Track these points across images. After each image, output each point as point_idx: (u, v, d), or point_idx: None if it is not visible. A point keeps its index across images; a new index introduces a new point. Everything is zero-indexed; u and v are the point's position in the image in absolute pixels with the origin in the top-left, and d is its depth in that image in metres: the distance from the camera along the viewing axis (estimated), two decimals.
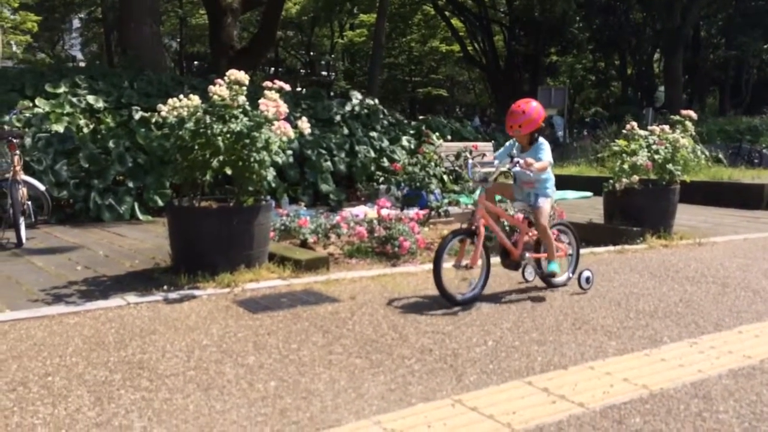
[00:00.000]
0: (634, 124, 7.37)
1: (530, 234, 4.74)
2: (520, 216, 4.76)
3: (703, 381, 3.09)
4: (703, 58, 31.38)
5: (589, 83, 37.16)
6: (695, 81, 31.59)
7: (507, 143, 4.89)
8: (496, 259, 4.76)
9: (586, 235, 6.85)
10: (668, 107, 21.63)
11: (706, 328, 3.94)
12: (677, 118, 7.41)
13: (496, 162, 4.65)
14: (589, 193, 11.33)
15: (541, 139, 4.67)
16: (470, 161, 4.71)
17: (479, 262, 4.40)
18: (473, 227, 4.38)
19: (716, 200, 10.21)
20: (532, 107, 4.55)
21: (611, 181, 7.15)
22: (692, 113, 7.37)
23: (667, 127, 7.25)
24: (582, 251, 6.17)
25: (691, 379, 3.10)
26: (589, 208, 9.33)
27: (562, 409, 2.77)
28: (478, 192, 4.63)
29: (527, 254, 4.64)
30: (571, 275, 4.92)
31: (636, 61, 32.81)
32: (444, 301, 4.31)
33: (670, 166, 7.01)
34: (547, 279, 4.82)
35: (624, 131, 7.39)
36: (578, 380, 3.08)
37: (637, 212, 6.92)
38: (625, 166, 7.00)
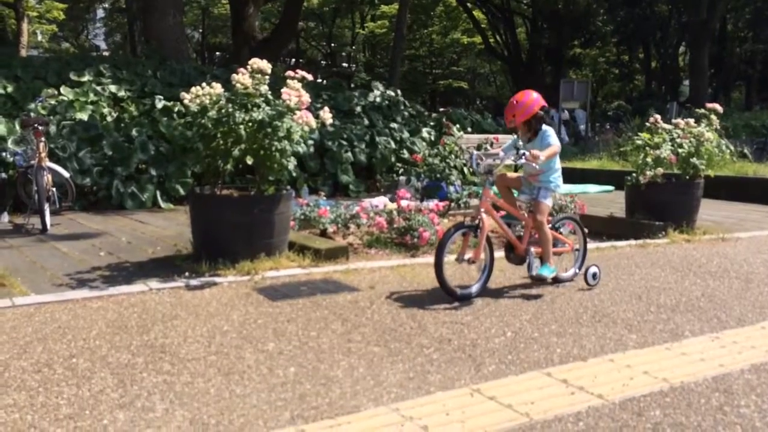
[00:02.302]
0: (658, 117, 7.27)
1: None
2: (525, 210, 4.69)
3: (724, 375, 3.06)
4: (730, 51, 30.88)
5: (612, 76, 36.77)
6: (721, 75, 31.12)
7: (515, 136, 4.80)
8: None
9: (607, 229, 6.81)
10: (693, 101, 21.32)
11: (729, 323, 3.89)
12: (702, 111, 7.30)
13: (501, 154, 4.57)
14: (610, 187, 11.23)
15: (545, 127, 4.59)
16: (474, 153, 4.61)
17: (482, 255, 4.33)
18: (476, 221, 4.31)
19: (741, 196, 10.06)
20: (527, 97, 4.50)
21: (634, 174, 7.08)
22: (718, 107, 7.25)
23: (692, 121, 7.15)
24: (603, 245, 6.16)
25: (712, 374, 3.07)
26: (611, 202, 9.25)
27: (581, 400, 2.77)
28: (491, 183, 4.55)
29: (532, 249, 4.54)
30: (577, 270, 4.84)
31: (660, 55, 32.38)
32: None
33: (694, 160, 6.92)
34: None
35: (647, 124, 7.30)
36: (598, 372, 3.07)
37: (659, 206, 6.84)
38: (649, 160, 6.92)
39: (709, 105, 7.32)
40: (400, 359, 3.20)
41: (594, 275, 4.66)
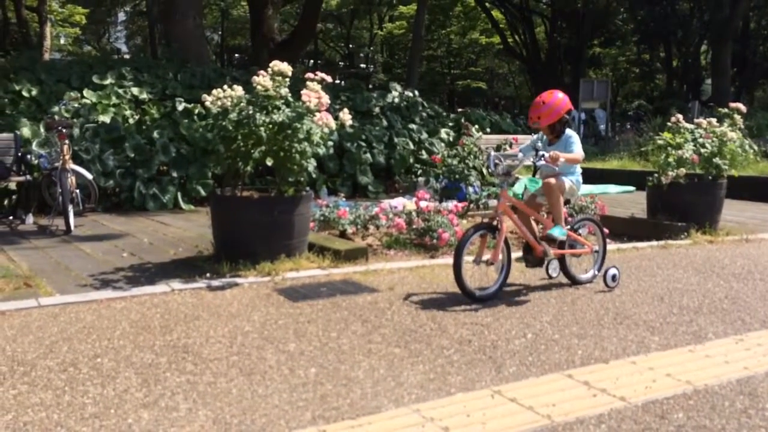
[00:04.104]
0: (680, 116, 7.20)
1: None
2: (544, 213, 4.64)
3: (749, 378, 3.02)
4: (753, 50, 30.42)
5: (632, 76, 36.41)
6: (744, 73, 30.64)
7: (534, 136, 4.76)
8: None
9: (629, 229, 6.75)
10: (715, 100, 21.04)
11: (753, 325, 3.85)
12: (725, 111, 7.22)
13: (520, 155, 4.52)
14: (631, 188, 11.12)
15: (569, 132, 4.55)
16: (492, 153, 4.53)
17: (500, 257, 4.29)
18: (494, 222, 4.27)
19: (764, 196, 9.92)
20: (554, 98, 4.45)
21: (656, 175, 7.01)
22: (741, 106, 7.17)
23: (714, 121, 7.07)
24: (624, 246, 6.11)
25: (736, 376, 3.04)
26: (632, 202, 9.18)
27: (603, 402, 2.75)
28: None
29: (551, 251, 4.47)
30: (597, 272, 4.76)
31: (682, 53, 31.99)
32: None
33: (716, 160, 6.84)
34: (571, 275, 4.64)
35: (669, 124, 7.23)
36: (620, 374, 3.05)
37: (681, 207, 6.77)
38: (671, 160, 6.85)
39: (733, 104, 7.24)
40: (420, 360, 3.21)
41: (613, 277, 4.61)
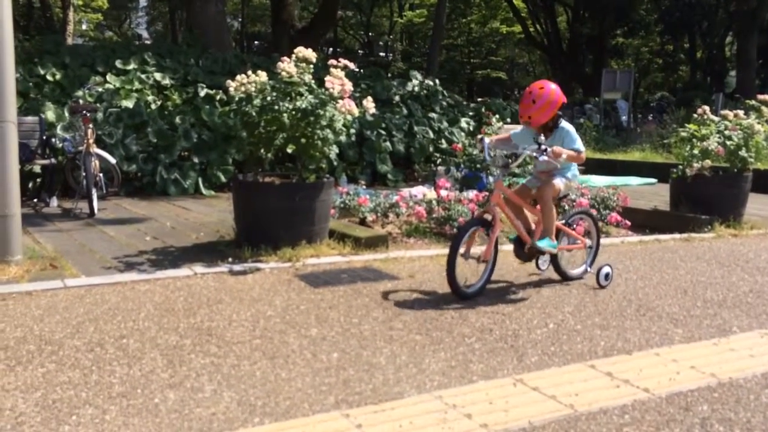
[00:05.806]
0: (706, 108, 7.11)
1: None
2: (538, 206, 4.35)
3: None
4: None
5: (655, 67, 35.92)
6: None
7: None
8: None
9: (651, 221, 6.70)
10: (740, 92, 20.72)
11: None
12: (753, 103, 7.11)
13: (520, 148, 4.21)
14: (653, 180, 11.02)
15: (565, 125, 4.21)
16: (486, 141, 4.20)
17: (491, 254, 4.08)
18: (488, 216, 4.09)
19: None
20: (546, 93, 4.06)
21: (680, 166, 6.93)
22: None
23: (741, 113, 6.97)
24: (646, 238, 6.07)
25: (762, 370, 3.01)
26: (654, 194, 9.09)
27: (626, 393, 2.74)
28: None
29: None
30: (589, 268, 4.60)
31: (706, 44, 31.49)
32: (500, 285, 4.23)
33: (742, 152, 6.75)
34: (561, 270, 4.48)
35: (695, 115, 7.14)
36: (643, 366, 3.03)
37: (705, 199, 6.69)
38: (696, 151, 6.78)
39: (761, 96, 7.13)
40: (441, 348, 3.21)
41: (606, 275, 4.41)
